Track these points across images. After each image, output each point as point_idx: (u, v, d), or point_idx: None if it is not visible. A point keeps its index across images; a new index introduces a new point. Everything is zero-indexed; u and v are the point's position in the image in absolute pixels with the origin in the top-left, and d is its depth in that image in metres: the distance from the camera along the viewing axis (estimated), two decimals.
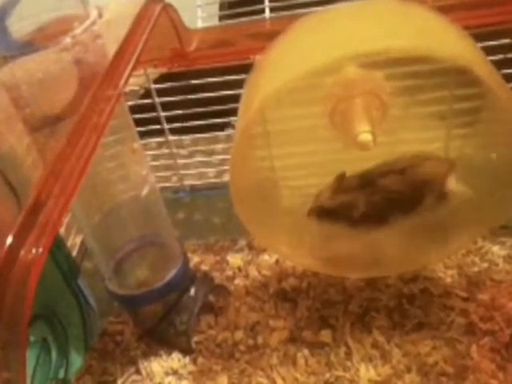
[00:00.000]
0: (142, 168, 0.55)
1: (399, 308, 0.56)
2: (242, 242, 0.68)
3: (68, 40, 0.46)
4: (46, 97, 0.44)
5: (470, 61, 0.40)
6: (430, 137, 0.55)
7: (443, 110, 0.53)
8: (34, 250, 0.28)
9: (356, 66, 0.48)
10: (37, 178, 0.41)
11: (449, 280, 0.58)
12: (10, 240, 0.28)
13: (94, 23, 0.49)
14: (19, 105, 0.43)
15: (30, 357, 0.52)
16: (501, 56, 0.59)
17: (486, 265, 0.59)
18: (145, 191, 0.55)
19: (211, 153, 0.78)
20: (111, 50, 0.47)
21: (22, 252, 0.28)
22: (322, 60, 0.42)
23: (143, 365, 0.57)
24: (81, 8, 0.49)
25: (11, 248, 0.29)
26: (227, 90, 0.65)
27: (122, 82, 0.43)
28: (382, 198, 0.50)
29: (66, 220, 0.63)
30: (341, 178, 0.53)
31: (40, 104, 0.44)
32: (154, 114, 0.67)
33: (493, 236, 0.61)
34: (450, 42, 0.42)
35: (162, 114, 0.67)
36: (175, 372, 0.56)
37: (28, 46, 0.45)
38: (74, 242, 0.64)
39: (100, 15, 0.50)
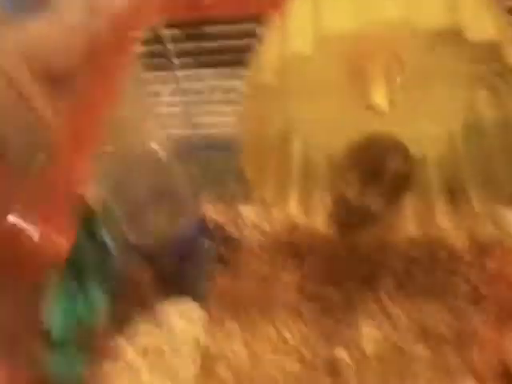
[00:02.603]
0: (155, 120, 0.55)
1: (406, 270, 0.58)
2: (256, 196, 0.69)
3: None
4: (56, 55, 0.44)
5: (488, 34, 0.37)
6: (451, 98, 0.53)
7: (466, 70, 0.51)
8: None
9: (379, 27, 0.46)
10: (54, 139, 0.41)
11: (458, 245, 0.59)
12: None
13: None
14: (30, 63, 0.43)
15: (58, 303, 0.56)
16: None
17: (497, 232, 0.59)
18: (158, 144, 0.55)
19: (227, 102, 0.77)
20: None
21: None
22: (344, 24, 0.40)
23: (159, 310, 0.60)
24: None
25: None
26: (242, 39, 0.63)
27: (135, 37, 0.42)
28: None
29: None
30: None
31: (51, 62, 0.43)
32: (166, 60, 0.66)
33: (508, 202, 0.61)
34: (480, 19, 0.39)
35: (175, 61, 0.65)
36: (188, 318, 0.59)
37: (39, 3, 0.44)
38: (93, 193, 0.65)
39: None
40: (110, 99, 0.45)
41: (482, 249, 0.58)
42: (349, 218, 0.54)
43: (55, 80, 0.46)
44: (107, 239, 0.62)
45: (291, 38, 0.44)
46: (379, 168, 0.50)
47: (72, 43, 0.46)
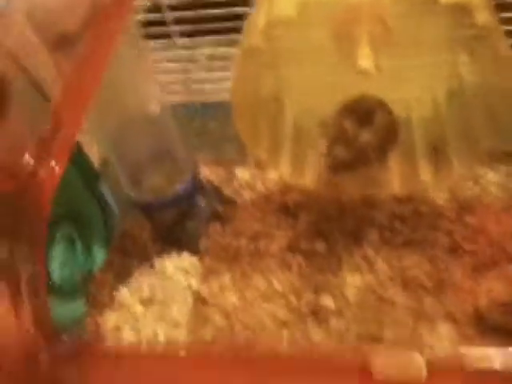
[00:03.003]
0: (152, 84, 0.58)
1: (390, 226, 0.61)
2: (250, 158, 0.72)
3: None
4: (60, 18, 0.47)
5: None
6: (434, 62, 0.55)
7: (448, 36, 0.53)
8: (52, 168, 0.33)
9: None
10: (55, 96, 0.45)
11: (440, 202, 0.62)
12: (30, 158, 0.33)
13: None
14: (37, 27, 0.46)
15: (58, 252, 0.60)
16: None
17: (478, 190, 0.62)
18: (155, 106, 0.58)
19: (226, 69, 0.79)
20: None
21: (42, 171, 0.33)
22: None
23: (157, 262, 0.64)
24: None
25: (32, 164, 0.34)
26: (241, 6, 0.65)
27: (131, 4, 0.45)
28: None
29: (85, 129, 0.67)
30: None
31: (56, 24, 0.46)
32: (165, 28, 0.69)
33: (489, 162, 0.64)
34: None
35: (174, 28, 0.68)
36: (185, 270, 0.63)
37: None
38: (94, 150, 0.69)
39: None
40: (108, 59, 0.47)
41: (462, 205, 0.61)
42: (341, 167, 0.56)
43: (60, 41, 0.49)
44: (108, 195, 0.65)
45: (277, 1, 0.47)
46: (369, 119, 0.53)
47: (76, 6, 0.49)
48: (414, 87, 0.57)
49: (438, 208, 0.61)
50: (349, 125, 0.53)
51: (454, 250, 0.58)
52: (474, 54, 0.52)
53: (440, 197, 0.62)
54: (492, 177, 0.63)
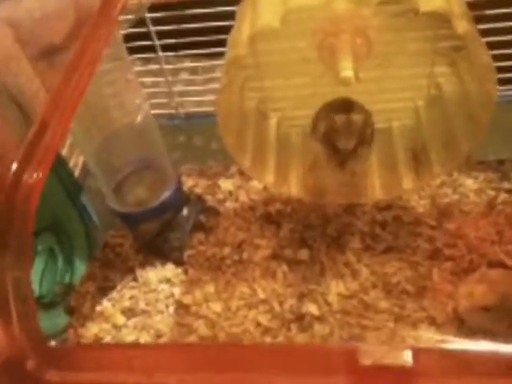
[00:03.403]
0: (137, 96, 0.59)
1: (372, 233, 0.62)
2: (234, 169, 0.72)
3: None
4: (46, 29, 0.47)
5: (438, 5, 0.41)
6: (414, 74, 0.57)
7: (427, 48, 0.55)
8: (35, 175, 0.33)
9: (344, 3, 0.50)
10: (40, 105, 0.45)
11: (420, 209, 0.63)
12: (15, 166, 0.33)
13: None
14: (22, 38, 0.46)
15: (39, 263, 0.59)
16: None
17: (457, 197, 0.64)
18: (139, 118, 0.59)
19: (210, 81, 0.80)
20: None
21: (26, 176, 0.33)
22: None
23: (140, 273, 0.64)
24: None
25: (17, 172, 0.34)
26: (223, 20, 0.66)
27: (116, 15, 0.45)
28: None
29: (68, 142, 0.67)
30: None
31: (40, 38, 0.47)
32: (150, 42, 0.69)
33: (468, 170, 0.65)
34: None
35: (157, 42, 0.69)
36: (168, 280, 0.63)
37: None
38: (76, 163, 0.69)
39: None
40: (93, 70, 0.48)
41: (442, 212, 0.62)
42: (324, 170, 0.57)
43: (45, 51, 0.50)
44: (89, 207, 0.65)
45: (261, 12, 0.48)
46: (346, 119, 0.54)
47: (61, 18, 0.49)
48: (395, 97, 0.59)
49: (418, 215, 0.62)
50: (334, 120, 0.53)
51: (435, 255, 0.59)
52: (455, 66, 0.54)
53: (420, 204, 0.63)
54: (470, 184, 0.64)
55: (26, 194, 0.33)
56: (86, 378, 0.24)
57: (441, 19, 0.52)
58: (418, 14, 0.51)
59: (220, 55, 0.78)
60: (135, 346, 0.33)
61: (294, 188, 0.60)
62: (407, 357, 0.20)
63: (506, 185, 0.63)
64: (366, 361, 0.20)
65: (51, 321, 0.60)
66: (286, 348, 0.24)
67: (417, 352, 0.20)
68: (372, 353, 0.20)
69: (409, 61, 0.56)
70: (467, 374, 0.20)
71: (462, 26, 0.40)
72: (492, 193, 0.63)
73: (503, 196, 0.62)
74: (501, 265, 0.56)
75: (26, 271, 0.32)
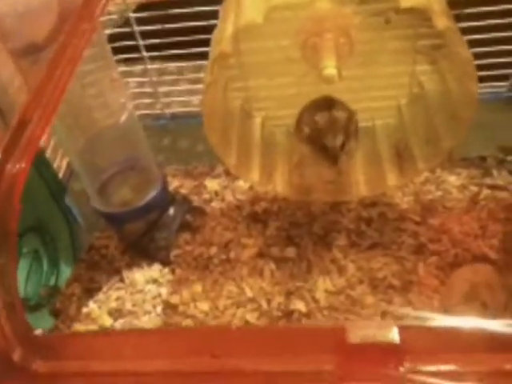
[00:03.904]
0: (121, 96, 0.59)
1: (357, 230, 0.62)
2: (220, 169, 0.73)
3: None
4: (28, 26, 0.47)
5: (417, 1, 0.42)
6: (396, 72, 0.58)
7: (408, 46, 0.56)
8: (17, 165, 0.33)
9: (326, 2, 0.50)
10: (22, 101, 0.45)
11: (405, 206, 0.64)
12: None
13: None
14: (4, 33, 0.46)
15: (23, 266, 0.58)
16: None
17: (440, 193, 0.64)
18: (124, 118, 0.59)
19: (195, 81, 0.81)
20: None
21: (8, 166, 0.33)
22: None
23: (126, 274, 0.63)
24: None
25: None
26: (208, 20, 0.66)
27: (98, 13, 0.45)
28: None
29: (52, 143, 0.67)
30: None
31: (22, 33, 0.46)
32: (135, 42, 0.69)
33: (451, 167, 0.66)
34: None
35: (142, 42, 0.69)
36: (155, 281, 0.63)
37: None
38: (60, 165, 0.68)
39: None
40: (75, 66, 0.48)
41: (426, 208, 0.63)
42: (309, 168, 0.57)
43: (28, 49, 0.49)
44: (74, 208, 0.65)
45: (244, 9, 0.48)
46: (329, 117, 0.54)
47: (44, 15, 0.49)
48: (378, 96, 0.60)
49: (402, 211, 0.63)
50: (319, 119, 0.54)
51: (420, 250, 0.59)
52: (435, 63, 0.55)
53: (404, 201, 0.64)
54: (453, 181, 0.65)
55: (9, 185, 0.32)
56: (74, 367, 0.24)
57: (421, 17, 0.53)
58: (398, 13, 0.53)
59: (205, 55, 0.79)
60: (121, 333, 0.33)
61: (279, 186, 0.60)
62: (394, 334, 0.20)
63: (489, 181, 0.64)
64: (354, 339, 0.20)
65: (37, 323, 0.59)
66: (273, 330, 0.24)
67: (403, 329, 0.21)
68: (360, 330, 0.20)
69: (391, 59, 0.57)
70: (453, 350, 0.20)
71: (442, 22, 0.41)
72: (475, 189, 0.64)
73: (486, 192, 0.63)
74: (485, 258, 0.57)
75: (10, 259, 0.31)
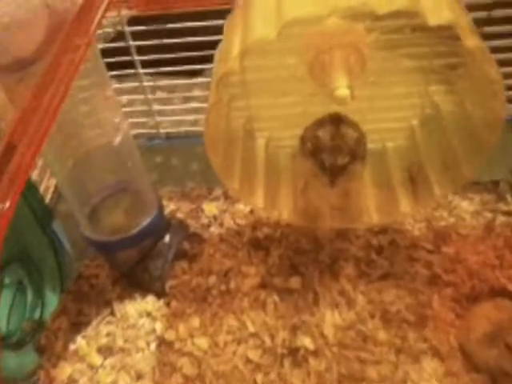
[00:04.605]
0: (115, 115, 0.55)
1: (367, 258, 0.58)
2: (218, 191, 0.69)
3: None
4: (15, 40, 0.43)
5: (446, 18, 0.39)
6: (409, 92, 0.55)
7: (423, 65, 0.53)
8: (1, 205, 0.28)
9: (337, 18, 0.47)
10: (7, 125, 0.40)
11: (416, 233, 0.60)
12: None
13: None
14: None
15: (6, 298, 0.54)
16: None
17: (453, 219, 0.61)
18: (118, 138, 0.54)
19: (189, 99, 0.77)
20: None
21: None
22: (306, 10, 0.41)
23: (118, 307, 0.59)
24: None
25: None
26: (205, 35, 0.63)
27: (93, 28, 0.41)
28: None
29: (39, 164, 0.62)
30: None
31: (8, 48, 0.42)
32: (129, 57, 0.65)
33: (463, 192, 0.63)
34: None
35: (137, 57, 0.65)
36: (149, 314, 0.58)
37: None
38: (47, 186, 0.63)
39: None
40: (68, 87, 0.44)
41: (439, 235, 0.59)
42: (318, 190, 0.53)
43: (14, 65, 0.45)
44: (61, 234, 0.60)
45: (254, 24, 0.45)
46: (333, 132, 0.51)
47: (32, 29, 0.45)
48: (389, 117, 0.56)
49: (414, 239, 0.59)
50: (322, 134, 0.50)
51: (434, 281, 0.56)
52: (451, 85, 0.52)
53: (415, 227, 0.61)
54: (466, 206, 0.62)
55: None
56: None
57: (438, 35, 0.50)
58: (415, 30, 0.50)
59: (198, 73, 0.75)
60: None
61: (284, 212, 0.56)
62: None
63: (503, 206, 0.61)
64: None
65: (19, 361, 0.54)
66: None
67: None
68: None
69: (403, 79, 0.54)
70: None
71: (472, 40, 0.38)
72: (489, 215, 0.61)
73: (501, 218, 0.60)
74: (504, 291, 0.53)
75: None
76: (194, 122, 0.76)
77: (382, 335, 0.52)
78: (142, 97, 0.71)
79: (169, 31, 0.63)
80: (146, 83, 0.69)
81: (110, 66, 0.58)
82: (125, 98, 0.75)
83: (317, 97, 0.51)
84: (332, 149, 0.50)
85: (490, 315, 0.49)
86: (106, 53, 0.59)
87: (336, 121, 0.52)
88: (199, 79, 0.73)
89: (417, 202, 0.53)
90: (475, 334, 0.49)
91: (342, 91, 0.45)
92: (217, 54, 0.48)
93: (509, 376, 0.47)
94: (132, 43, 0.64)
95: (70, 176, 0.56)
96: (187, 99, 0.77)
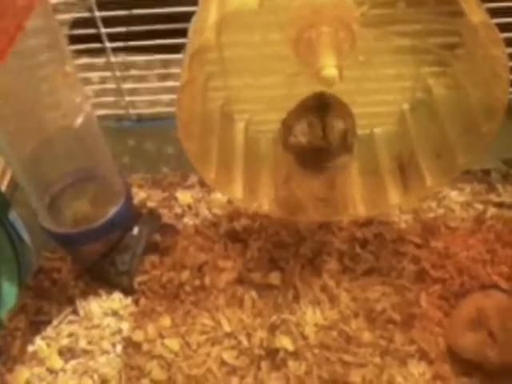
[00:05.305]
0: (76, 94, 0.49)
1: (351, 252, 0.55)
2: (194, 178, 0.64)
3: None
4: None
5: None
6: (400, 74, 0.51)
7: (416, 45, 0.49)
8: None
9: None
10: None
11: (403, 225, 0.57)
12: None
13: None
14: None
15: None
16: None
17: (442, 211, 0.58)
18: (79, 120, 0.49)
19: (165, 77, 0.71)
20: None
21: None
22: None
23: (81, 304, 0.54)
24: None
25: None
26: (181, 5, 0.57)
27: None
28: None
29: None
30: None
31: None
32: (95, 30, 0.59)
33: (452, 181, 0.59)
34: None
35: (104, 30, 0.59)
36: (115, 313, 0.54)
37: None
38: (3, 172, 0.58)
39: None
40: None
41: (427, 228, 0.56)
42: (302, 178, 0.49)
43: None
44: (19, 226, 0.55)
45: None
46: (323, 129, 0.47)
47: None
48: (378, 100, 0.53)
49: (401, 232, 0.56)
50: (303, 132, 0.46)
51: (422, 278, 0.52)
52: (445, 64, 0.48)
53: (402, 219, 0.57)
54: (456, 197, 0.59)
55: None
56: None
57: (434, 11, 0.46)
58: (409, 5, 0.46)
59: (176, 48, 0.70)
60: None
61: (265, 203, 0.52)
62: None
63: (494, 197, 0.58)
64: None
65: None
66: None
67: None
68: None
69: (394, 59, 0.49)
70: None
71: (477, 14, 0.33)
72: (480, 206, 0.58)
73: (492, 210, 0.57)
74: (495, 288, 0.50)
75: None
76: (170, 103, 0.70)
77: (366, 336, 0.49)
78: (110, 74, 0.66)
79: (140, 4, 0.58)
80: (114, 59, 0.63)
81: (79, 39, 0.53)
82: (94, 76, 0.70)
83: (301, 77, 0.47)
84: (315, 150, 0.46)
85: (478, 302, 0.47)
86: (73, 25, 0.53)
87: (321, 107, 0.47)
88: (176, 55, 0.67)
89: (406, 192, 0.50)
90: (460, 318, 0.47)
91: (330, 71, 0.41)
92: (192, 26, 0.43)
93: (488, 361, 0.45)
94: (98, 14, 0.58)
95: (28, 163, 0.51)
96: (163, 77, 0.72)
